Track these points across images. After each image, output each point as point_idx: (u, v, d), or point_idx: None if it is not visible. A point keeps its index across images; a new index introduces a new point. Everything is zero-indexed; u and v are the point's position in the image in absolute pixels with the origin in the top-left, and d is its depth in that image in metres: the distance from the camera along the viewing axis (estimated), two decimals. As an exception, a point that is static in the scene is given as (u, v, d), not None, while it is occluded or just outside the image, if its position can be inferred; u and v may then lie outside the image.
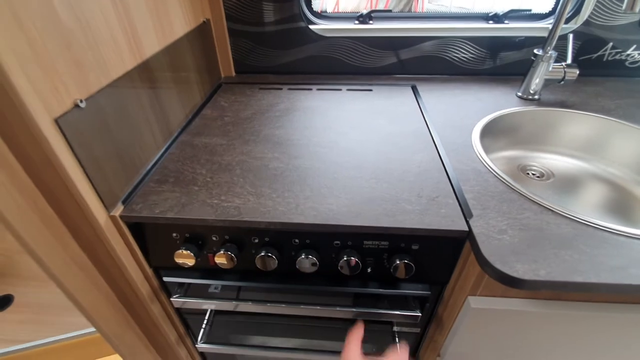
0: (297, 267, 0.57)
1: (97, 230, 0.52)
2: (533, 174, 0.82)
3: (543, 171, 0.82)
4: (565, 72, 0.82)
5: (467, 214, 0.52)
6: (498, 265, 0.44)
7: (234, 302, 0.64)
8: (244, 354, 0.77)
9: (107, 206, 0.53)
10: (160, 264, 0.63)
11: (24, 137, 0.41)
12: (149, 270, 0.63)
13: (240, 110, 0.85)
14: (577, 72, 0.81)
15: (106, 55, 0.52)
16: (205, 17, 0.89)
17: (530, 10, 0.97)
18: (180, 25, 0.76)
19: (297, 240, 0.57)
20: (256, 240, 0.58)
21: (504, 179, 0.59)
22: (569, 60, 0.83)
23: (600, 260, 0.45)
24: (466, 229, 0.50)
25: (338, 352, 0.73)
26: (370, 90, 0.94)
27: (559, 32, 0.78)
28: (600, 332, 0.54)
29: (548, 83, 0.85)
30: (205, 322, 0.76)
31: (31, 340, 1.08)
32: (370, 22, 1.00)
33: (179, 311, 0.74)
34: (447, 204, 0.55)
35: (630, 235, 0.48)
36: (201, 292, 0.67)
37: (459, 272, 0.57)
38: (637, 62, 0.95)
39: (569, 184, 0.78)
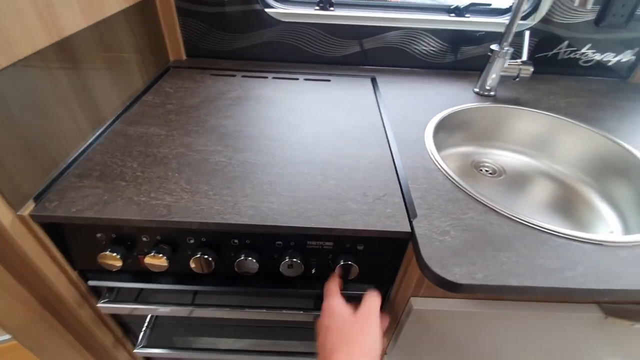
0: (236, 269, 0.53)
1: (3, 233, 0.46)
2: (486, 171, 0.82)
3: (495, 168, 0.82)
4: (520, 69, 0.82)
5: (411, 214, 0.51)
6: (436, 269, 0.43)
7: (169, 307, 0.60)
8: (190, 357, 0.73)
9: (13, 205, 0.46)
10: (86, 266, 0.57)
11: None
12: (74, 274, 0.57)
13: (186, 97, 0.79)
14: (532, 69, 0.82)
15: (7, 30, 0.44)
16: (148, -7, 0.81)
17: (489, 5, 0.96)
18: (114, 0, 0.68)
19: (236, 241, 0.53)
20: (192, 241, 0.53)
21: (451, 177, 0.58)
22: (524, 57, 0.83)
23: (538, 262, 0.44)
24: (409, 230, 0.48)
25: (293, 353, 0.70)
26: (329, 80, 0.90)
27: (515, 29, 0.77)
28: (542, 330, 0.55)
29: (504, 79, 0.85)
30: (145, 325, 0.71)
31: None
32: (331, 8, 0.95)
33: (114, 315, 0.69)
34: (392, 203, 0.53)
35: (568, 236, 0.49)
36: (133, 297, 0.62)
37: (403, 273, 0.56)
38: (590, 61, 0.97)
39: (519, 181, 0.79)
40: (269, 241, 0.53)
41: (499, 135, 0.85)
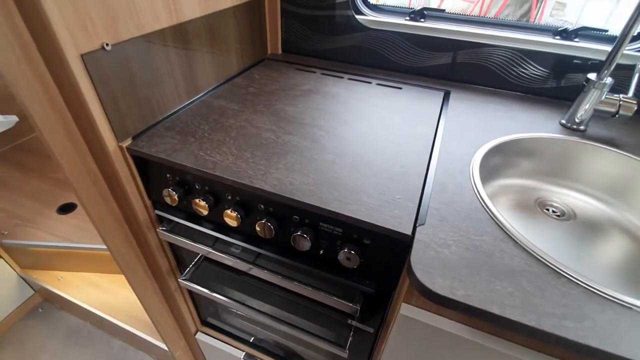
0: (256, 229, 0.62)
1: (107, 154, 0.63)
2: (553, 212, 0.73)
3: (564, 209, 0.72)
4: (620, 104, 0.70)
5: (419, 221, 0.51)
6: (418, 273, 0.43)
7: (204, 247, 0.72)
8: (220, 301, 0.85)
9: (118, 137, 0.63)
10: (156, 198, 0.73)
11: (57, 64, 0.53)
12: (148, 201, 0.74)
13: (267, 84, 0.91)
14: (635, 107, 0.69)
15: (140, 9, 0.61)
16: (259, -5, 0.97)
17: (606, 30, 0.84)
18: (228, -3, 0.84)
19: (262, 206, 0.61)
20: (229, 197, 0.64)
21: (482, 198, 0.55)
22: (630, 93, 0.70)
23: (537, 301, 0.40)
24: (409, 233, 0.49)
25: (307, 332, 0.76)
26: (400, 88, 0.92)
27: (619, 57, 0.67)
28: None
29: (600, 115, 0.74)
30: (193, 263, 0.85)
31: (80, 242, 1.32)
32: (422, 20, 0.97)
33: (171, 245, 0.85)
34: (405, 206, 0.53)
35: (591, 287, 0.42)
36: (184, 233, 0.76)
37: (403, 277, 0.55)
38: None
39: (589, 229, 0.68)
40: (288, 213, 0.60)
41: (576, 175, 0.74)
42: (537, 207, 0.74)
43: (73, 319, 1.50)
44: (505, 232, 0.49)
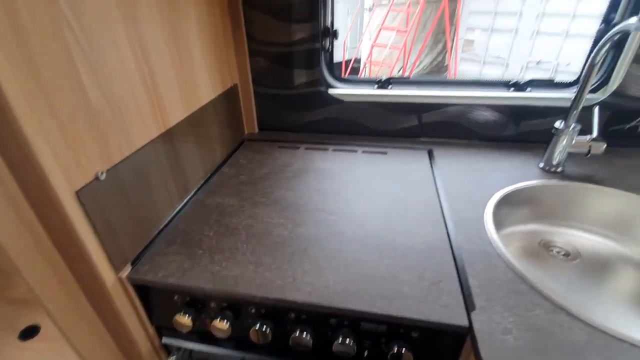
0: (290, 343, 0.56)
1: (105, 291, 0.55)
2: (558, 252, 0.76)
3: (568, 249, 0.76)
4: (590, 146, 0.78)
5: (469, 306, 0.49)
6: (497, 373, 0.40)
7: None
8: None
9: (116, 268, 0.56)
10: (162, 324, 0.64)
11: (45, 205, 0.46)
12: (151, 329, 0.65)
13: (256, 168, 0.89)
14: (604, 146, 0.78)
15: (131, 127, 0.57)
16: (233, 82, 0.97)
17: (552, 80, 0.96)
18: (207, 92, 0.83)
19: (293, 315, 0.56)
20: (253, 311, 0.58)
21: (513, 265, 0.56)
22: (594, 134, 0.79)
23: (619, 379, 0.40)
24: (466, 324, 0.47)
25: None
26: (385, 153, 0.95)
27: (581, 105, 0.76)
28: None
29: (573, 155, 0.81)
30: None
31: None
32: (389, 87, 1.03)
33: None
34: (449, 291, 0.52)
35: (657, 349, 0.43)
36: (200, 357, 0.67)
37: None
38: (675, 134, 0.89)
39: (597, 266, 0.72)
40: (324, 318, 0.55)
41: (571, 214, 0.79)
42: (543, 249, 0.77)
43: None
44: (552, 303, 0.50)
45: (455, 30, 5.54)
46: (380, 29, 5.08)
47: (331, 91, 1.01)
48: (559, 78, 0.97)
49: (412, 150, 0.96)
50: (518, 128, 0.96)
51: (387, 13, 5.01)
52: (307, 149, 0.99)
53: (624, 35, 0.77)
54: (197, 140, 0.81)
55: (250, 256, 0.60)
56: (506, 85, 0.99)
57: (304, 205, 0.74)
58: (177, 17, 0.68)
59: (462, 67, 5.82)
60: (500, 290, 0.52)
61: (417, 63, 6.07)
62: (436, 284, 0.53)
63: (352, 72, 5.67)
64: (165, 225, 0.68)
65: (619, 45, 0.84)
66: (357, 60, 5.78)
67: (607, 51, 0.75)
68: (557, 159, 0.82)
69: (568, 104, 0.78)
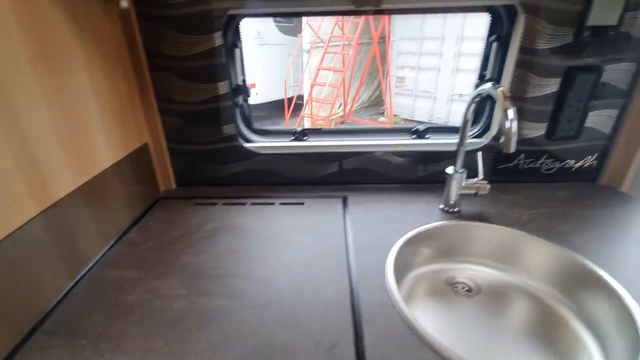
0: None
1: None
2: (462, 288, 0.81)
3: (471, 284, 0.82)
4: (477, 188, 0.87)
5: None
6: None
7: None
8: None
9: None
10: None
11: None
12: None
13: (167, 232, 0.85)
14: (489, 187, 0.87)
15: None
16: (142, 142, 0.95)
17: (446, 126, 1.07)
18: (108, 156, 0.80)
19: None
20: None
21: (407, 318, 0.58)
22: (480, 176, 0.88)
23: None
24: None
25: None
26: (302, 203, 0.97)
27: (464, 150, 0.85)
28: None
29: (465, 196, 0.90)
30: None
31: None
32: (305, 138, 1.08)
33: None
34: (342, 356, 0.52)
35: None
36: None
37: None
38: (551, 169, 1.02)
39: (496, 299, 0.78)
40: None
41: (468, 251, 0.86)
42: (449, 287, 0.82)
43: None
44: (442, 357, 0.52)
45: (387, 68, 6.03)
46: (319, 69, 5.37)
47: (248, 145, 1.02)
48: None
49: (328, 199, 0.99)
50: (423, 171, 1.04)
51: (324, 55, 5.32)
52: (225, 204, 0.97)
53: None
54: (97, 208, 0.76)
55: (140, 341, 0.55)
56: (409, 132, 1.08)
57: (212, 271, 0.71)
58: (62, 81, 0.66)
59: (397, 100, 6.30)
60: (393, 348, 0.53)
61: (357, 98, 6.45)
62: (331, 349, 0.53)
63: (295, 108, 5.86)
64: (49, 312, 0.61)
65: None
66: (300, 97, 6.00)
67: (477, 106, 0.85)
68: (452, 200, 0.89)
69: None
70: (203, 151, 1.02)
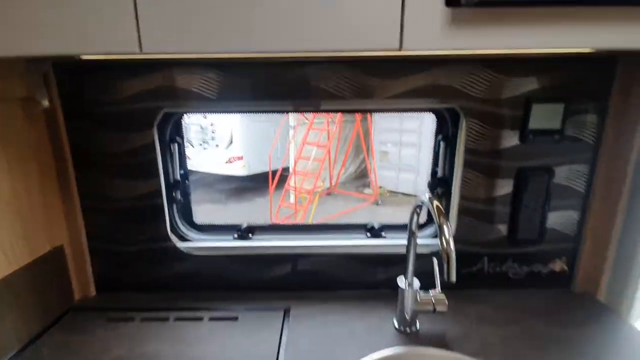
0: None
1: None
2: None
3: None
4: (434, 304, 0.75)
5: None
6: None
7: None
8: None
9: None
10: None
11: None
12: None
13: (56, 365, 0.69)
14: (446, 303, 0.75)
15: None
16: (54, 245, 0.83)
17: (405, 225, 0.99)
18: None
19: None
20: None
21: None
22: (437, 289, 0.77)
23: None
24: None
25: None
26: (236, 318, 0.83)
27: (413, 260, 0.75)
28: None
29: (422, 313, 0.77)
30: None
31: None
32: (251, 235, 0.98)
33: None
34: None
35: None
36: None
37: None
38: (519, 274, 0.92)
39: None
40: None
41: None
42: None
43: None
44: None
45: (370, 144, 6.26)
46: (303, 143, 5.53)
47: (183, 245, 0.91)
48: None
49: (267, 313, 0.85)
50: (379, 274, 0.92)
51: (308, 131, 5.53)
52: (143, 319, 0.82)
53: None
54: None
55: None
56: (365, 229, 0.99)
57: None
58: None
59: (382, 172, 6.41)
60: None
61: (343, 171, 6.57)
62: None
63: (281, 179, 5.87)
64: None
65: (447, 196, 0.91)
66: (286, 169, 6.07)
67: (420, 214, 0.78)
68: (407, 319, 0.76)
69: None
70: (131, 253, 0.91)
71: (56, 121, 0.80)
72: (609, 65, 0.77)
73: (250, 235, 0.97)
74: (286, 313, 0.85)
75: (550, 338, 0.74)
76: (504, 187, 0.86)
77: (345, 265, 0.92)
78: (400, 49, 0.50)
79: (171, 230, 0.92)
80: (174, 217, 0.93)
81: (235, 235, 0.97)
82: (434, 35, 0.49)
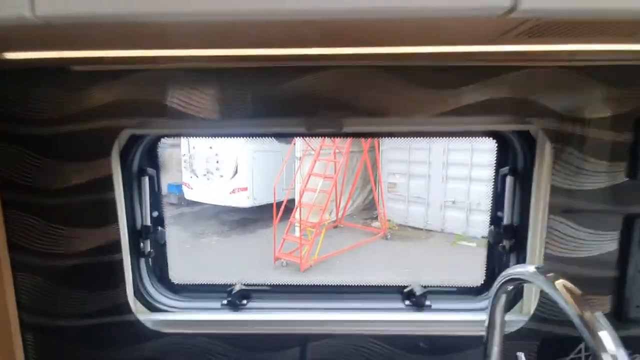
0: None
1: None
2: None
3: None
4: None
5: None
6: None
7: None
8: None
9: None
10: None
11: None
12: None
13: None
14: None
15: None
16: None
17: (454, 288, 0.72)
18: None
19: None
20: None
21: None
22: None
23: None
24: None
25: None
26: None
27: (499, 335, 0.48)
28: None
29: None
30: None
31: None
32: (245, 302, 0.71)
33: None
34: None
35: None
36: None
37: None
38: (628, 364, 0.64)
39: None
40: None
41: None
42: None
43: None
44: None
45: (378, 175, 6.03)
46: (310, 175, 5.31)
47: (148, 318, 0.66)
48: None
49: None
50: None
51: (315, 162, 5.33)
52: None
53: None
54: None
55: None
56: (400, 292, 0.72)
57: None
58: None
59: (390, 205, 6.13)
60: None
61: (350, 202, 6.28)
62: None
63: (285, 211, 5.58)
64: None
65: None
66: (292, 201, 5.82)
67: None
68: None
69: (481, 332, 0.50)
70: (77, 329, 0.65)
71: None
72: None
73: (244, 301, 0.71)
74: None
75: None
76: (607, 243, 0.60)
77: (377, 351, 0.64)
78: (512, 10, 0.27)
79: (136, 295, 0.66)
80: (140, 278, 0.68)
81: (225, 302, 0.70)
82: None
